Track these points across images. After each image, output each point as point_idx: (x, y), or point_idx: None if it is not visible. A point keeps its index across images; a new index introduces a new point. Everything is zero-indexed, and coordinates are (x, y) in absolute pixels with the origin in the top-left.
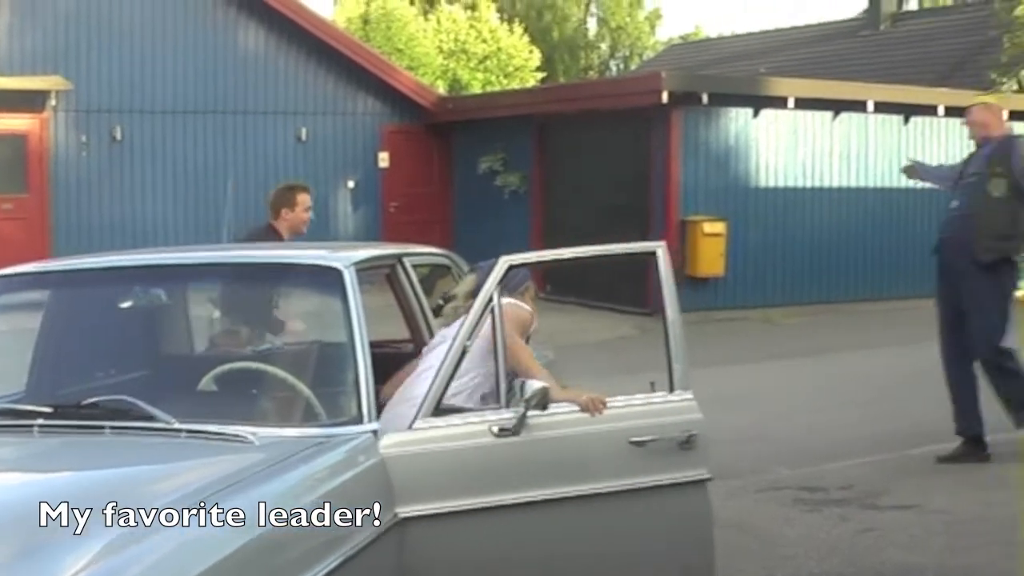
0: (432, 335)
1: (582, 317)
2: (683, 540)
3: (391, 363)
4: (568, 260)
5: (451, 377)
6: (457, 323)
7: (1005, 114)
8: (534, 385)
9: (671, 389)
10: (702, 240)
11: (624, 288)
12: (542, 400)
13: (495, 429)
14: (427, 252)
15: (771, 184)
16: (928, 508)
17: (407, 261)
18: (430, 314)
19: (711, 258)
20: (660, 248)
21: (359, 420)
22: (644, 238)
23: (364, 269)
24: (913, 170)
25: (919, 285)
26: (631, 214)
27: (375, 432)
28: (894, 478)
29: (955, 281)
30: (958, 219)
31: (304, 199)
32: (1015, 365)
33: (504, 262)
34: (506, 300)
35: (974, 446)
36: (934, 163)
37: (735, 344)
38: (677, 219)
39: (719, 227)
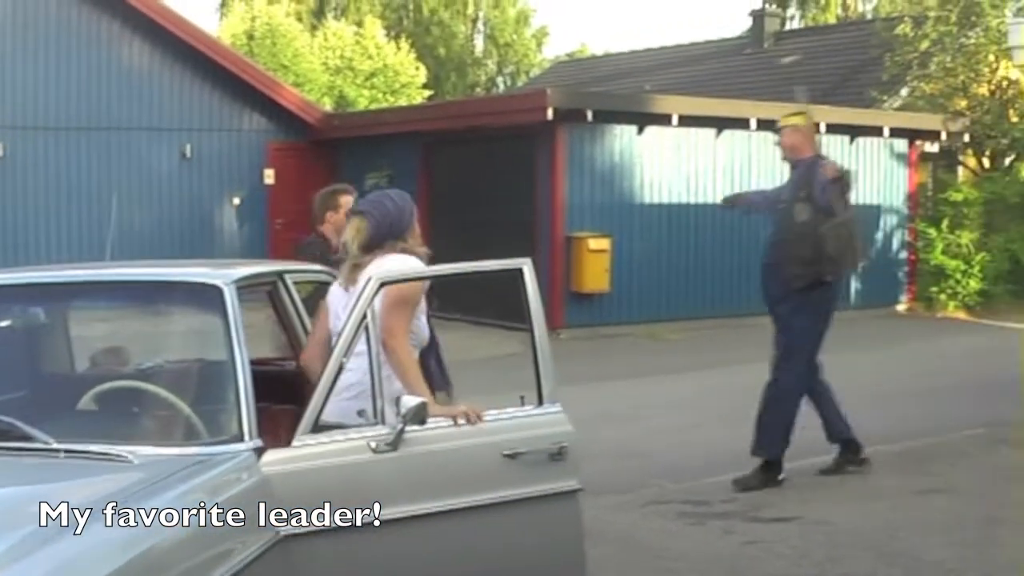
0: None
1: (470, 334)
2: (555, 550)
3: (274, 381)
4: (438, 277)
5: (328, 393)
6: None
7: (819, 133)
8: (412, 400)
9: (540, 402)
10: (587, 256)
11: (511, 304)
12: (420, 415)
13: (373, 445)
14: (309, 269)
15: (655, 200)
16: (809, 519)
17: (288, 278)
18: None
19: (596, 274)
20: (525, 265)
21: (240, 438)
22: (530, 254)
23: (245, 287)
24: (737, 199)
25: None
26: (517, 230)
27: (256, 450)
28: (775, 491)
29: (772, 306)
30: (772, 245)
31: (347, 200)
32: (791, 404)
33: (376, 281)
34: (393, 259)
35: (849, 452)
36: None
37: (620, 360)
38: (562, 235)
39: (604, 243)
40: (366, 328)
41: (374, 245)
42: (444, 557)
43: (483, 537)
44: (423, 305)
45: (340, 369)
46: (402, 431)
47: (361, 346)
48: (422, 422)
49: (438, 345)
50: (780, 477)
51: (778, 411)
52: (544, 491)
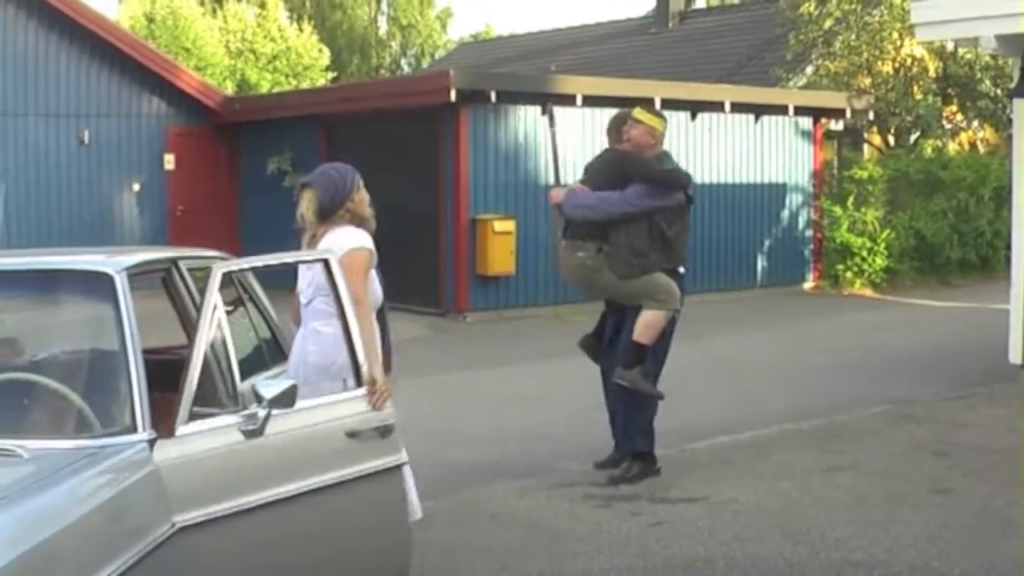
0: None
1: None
2: (387, 522)
3: (171, 370)
4: (254, 268)
5: (196, 382)
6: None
7: (665, 126)
8: (280, 384)
9: (359, 384)
10: (492, 238)
11: (417, 289)
12: (288, 398)
13: (243, 430)
14: (204, 256)
15: (560, 181)
16: (715, 500)
17: (183, 265)
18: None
19: (501, 256)
20: (330, 256)
21: (132, 429)
22: (435, 237)
23: (137, 274)
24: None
25: (710, 281)
26: (422, 214)
27: (150, 441)
28: (681, 472)
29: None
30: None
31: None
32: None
33: (218, 270)
34: (343, 233)
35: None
36: (722, 156)
37: (527, 342)
38: (467, 218)
39: (509, 225)
40: (338, 301)
41: (328, 212)
42: (304, 537)
43: (332, 514)
44: (374, 271)
45: (204, 359)
46: (268, 416)
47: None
48: (291, 404)
49: (387, 334)
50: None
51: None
52: (379, 466)
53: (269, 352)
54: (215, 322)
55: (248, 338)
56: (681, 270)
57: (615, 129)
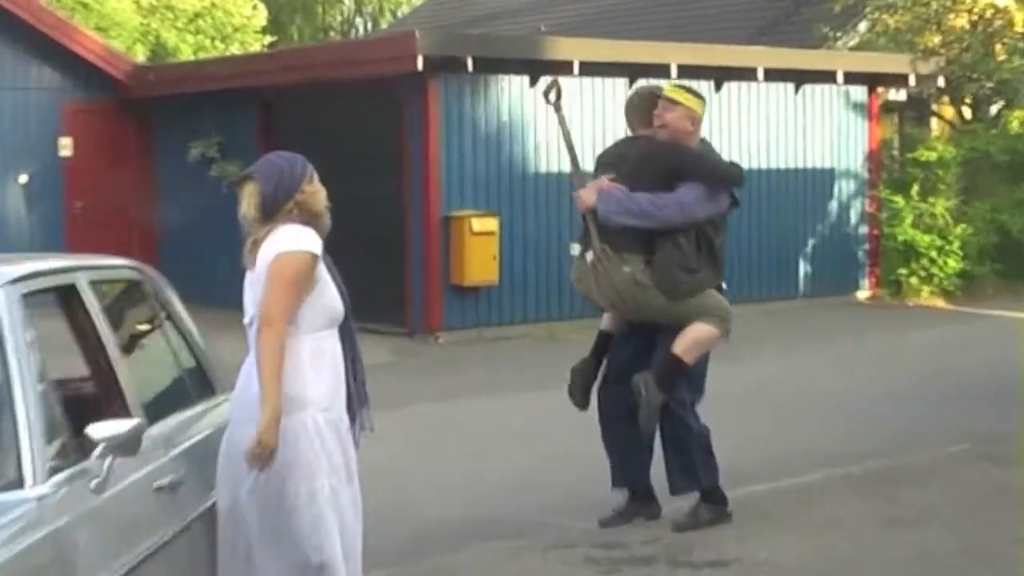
0: (117, 374)
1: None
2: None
3: (77, 405)
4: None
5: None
6: None
7: (704, 108)
8: (118, 426)
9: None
10: (470, 240)
11: (378, 303)
12: (131, 443)
13: (91, 485)
14: (113, 265)
15: (554, 169)
16: (749, 562)
17: (85, 277)
18: (114, 346)
19: (482, 262)
20: (134, 266)
21: (19, 484)
22: (400, 240)
23: (29, 289)
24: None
25: (741, 290)
26: (384, 209)
27: (43, 498)
28: (707, 527)
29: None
30: None
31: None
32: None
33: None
34: (286, 232)
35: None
36: (754, 135)
37: (513, 367)
38: (438, 214)
39: (491, 223)
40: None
41: (272, 208)
42: None
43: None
44: (327, 278)
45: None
46: (110, 468)
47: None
48: (134, 452)
49: (357, 359)
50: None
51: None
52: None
53: (192, 385)
54: (21, 357)
55: (163, 368)
56: (724, 286)
57: (642, 110)
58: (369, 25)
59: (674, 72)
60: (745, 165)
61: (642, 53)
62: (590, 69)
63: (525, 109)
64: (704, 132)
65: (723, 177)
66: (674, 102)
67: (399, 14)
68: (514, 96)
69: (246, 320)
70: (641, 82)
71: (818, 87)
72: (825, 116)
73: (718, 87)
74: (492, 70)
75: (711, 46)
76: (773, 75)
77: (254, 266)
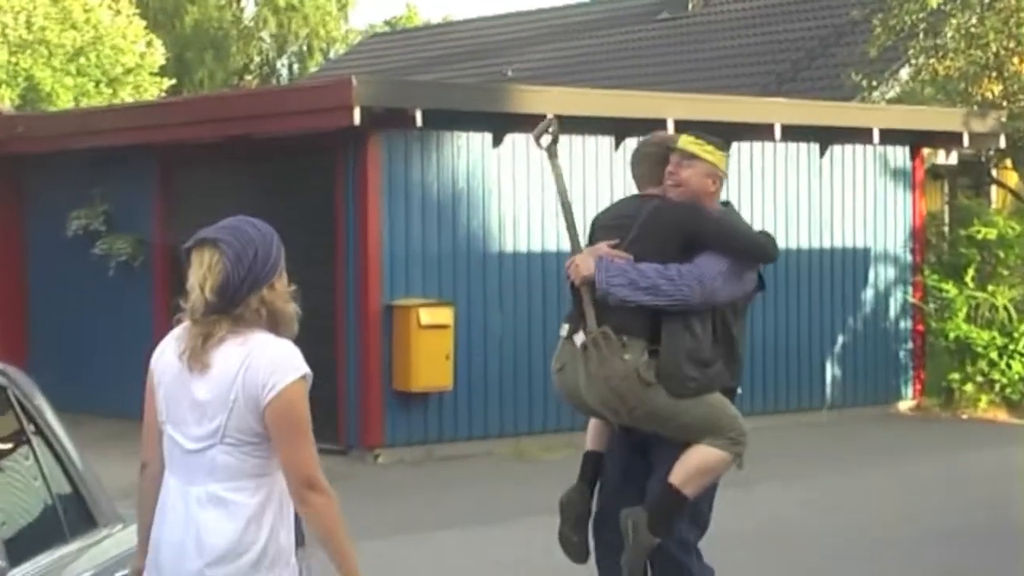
0: None
1: None
2: None
3: None
4: None
5: None
6: None
7: (729, 164)
8: None
9: None
10: (418, 335)
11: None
12: None
13: None
14: None
15: (522, 247)
16: None
17: None
18: None
19: (433, 363)
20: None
21: None
22: (331, 335)
23: None
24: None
25: (756, 398)
26: (312, 296)
27: None
28: None
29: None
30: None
31: None
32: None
33: None
34: (261, 343)
35: None
36: (770, 207)
37: (470, 494)
38: (379, 304)
39: (444, 315)
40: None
41: (235, 296)
42: None
43: None
44: None
45: None
46: None
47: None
48: None
49: None
50: None
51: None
52: None
53: (68, 517)
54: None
55: (30, 496)
56: (739, 390)
57: (652, 163)
58: (295, 67)
59: (671, 128)
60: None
61: (632, 105)
62: (569, 124)
63: (487, 173)
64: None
65: (753, 249)
66: (692, 156)
67: (331, 54)
68: (473, 157)
69: (188, 444)
70: (633, 141)
71: (849, 148)
72: (858, 184)
73: (726, 147)
74: (447, 125)
75: (716, 97)
76: (794, 133)
77: (203, 367)
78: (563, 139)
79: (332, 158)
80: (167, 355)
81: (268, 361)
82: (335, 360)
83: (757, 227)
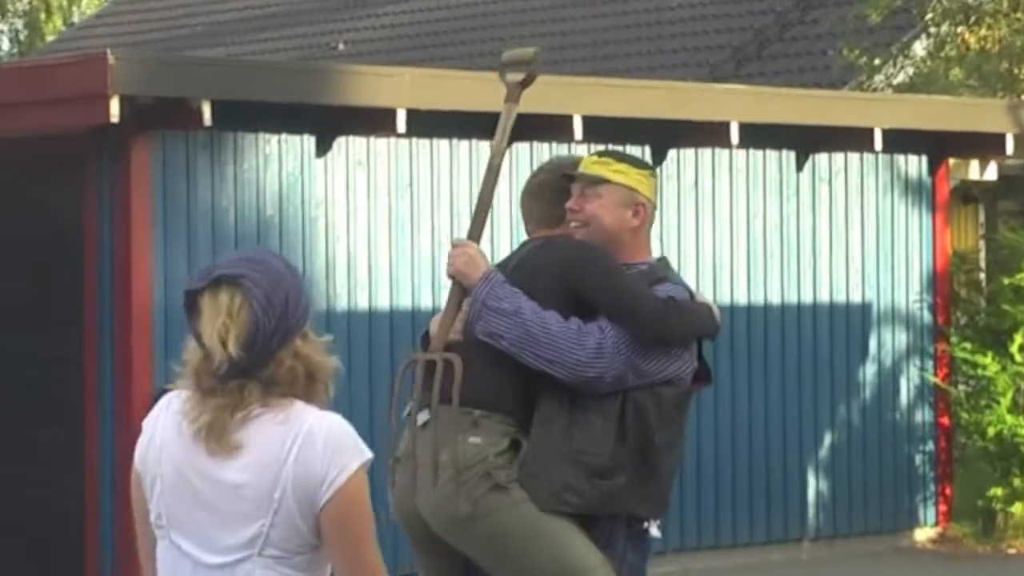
0: None
1: None
2: None
3: None
4: None
5: None
6: None
7: (654, 187)
8: None
9: None
10: None
11: (38, 550)
12: None
13: None
14: None
15: (359, 299)
16: None
17: None
18: None
19: None
20: None
21: None
22: (81, 435)
23: None
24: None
25: (709, 529)
26: (46, 380)
27: None
28: None
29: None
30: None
31: None
32: None
33: None
34: (331, 426)
35: None
36: (724, 244)
37: None
38: (150, 387)
39: None
40: None
41: (264, 350)
42: None
43: None
44: None
45: None
46: None
47: None
48: None
49: None
50: None
51: None
52: None
53: None
54: None
55: None
56: (654, 530)
57: (549, 199)
58: (20, 36)
59: (577, 130)
60: (706, 297)
61: (535, 102)
62: (424, 123)
63: (309, 193)
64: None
65: (676, 322)
66: (599, 181)
67: (76, 16)
68: (289, 170)
69: (210, 557)
70: (519, 150)
71: (839, 157)
72: (852, 210)
73: (656, 159)
74: (249, 124)
75: (646, 83)
76: (759, 136)
77: (229, 457)
78: (419, 144)
79: (79, 173)
80: (164, 436)
81: (323, 446)
82: (81, 477)
83: (707, 276)
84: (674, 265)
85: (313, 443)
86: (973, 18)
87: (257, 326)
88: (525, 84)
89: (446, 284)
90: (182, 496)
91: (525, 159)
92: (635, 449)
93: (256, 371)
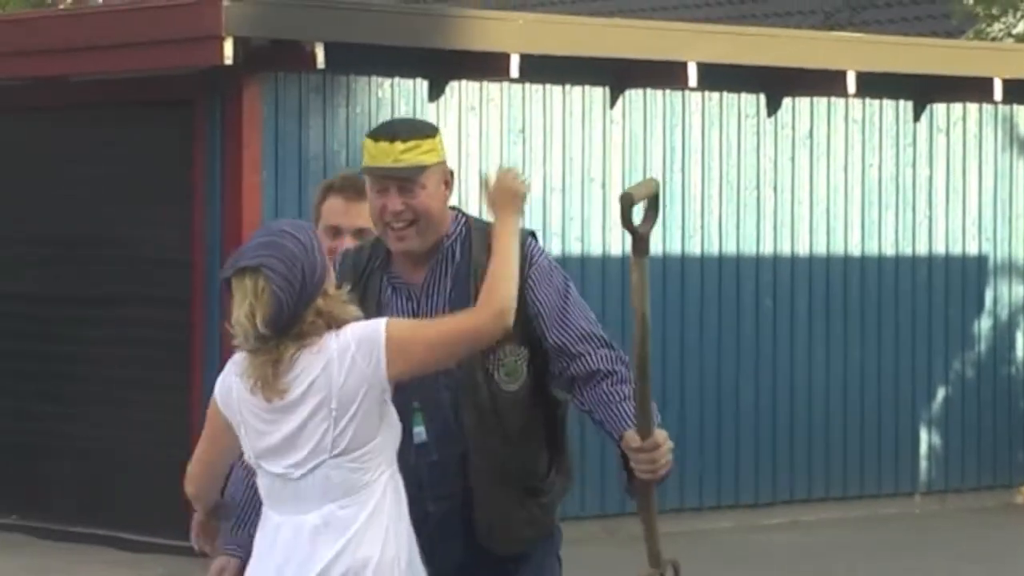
0: None
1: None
2: None
3: None
4: None
5: None
6: None
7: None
8: None
9: None
10: None
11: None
12: None
13: None
14: None
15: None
16: None
17: None
18: None
19: None
20: None
21: None
22: (187, 361)
23: None
24: None
25: (816, 482)
26: (151, 318)
27: None
28: None
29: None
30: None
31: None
32: None
33: None
34: (344, 331)
35: None
36: (839, 194)
37: None
38: None
39: None
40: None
41: (290, 320)
42: None
43: None
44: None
45: None
46: None
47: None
48: None
49: None
50: None
51: None
52: None
53: None
54: None
55: None
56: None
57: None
58: None
59: (692, 77)
60: (820, 248)
61: (635, 41)
62: (543, 68)
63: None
64: (744, 187)
65: None
66: (420, 170)
67: None
68: (402, 113)
69: (277, 468)
70: (632, 94)
71: (957, 107)
72: (970, 160)
73: (771, 107)
74: (362, 67)
75: (761, 30)
76: (875, 85)
77: (279, 394)
78: (528, 88)
79: (189, 113)
80: (236, 388)
81: (355, 347)
82: (188, 409)
83: (818, 224)
84: (788, 216)
85: (345, 343)
86: None
87: (280, 304)
88: (650, 223)
89: (555, 232)
90: (261, 435)
91: (639, 106)
92: (558, 452)
93: (287, 330)
